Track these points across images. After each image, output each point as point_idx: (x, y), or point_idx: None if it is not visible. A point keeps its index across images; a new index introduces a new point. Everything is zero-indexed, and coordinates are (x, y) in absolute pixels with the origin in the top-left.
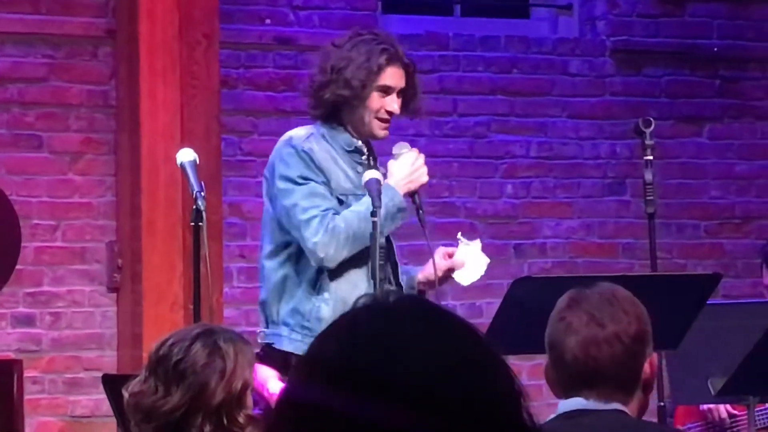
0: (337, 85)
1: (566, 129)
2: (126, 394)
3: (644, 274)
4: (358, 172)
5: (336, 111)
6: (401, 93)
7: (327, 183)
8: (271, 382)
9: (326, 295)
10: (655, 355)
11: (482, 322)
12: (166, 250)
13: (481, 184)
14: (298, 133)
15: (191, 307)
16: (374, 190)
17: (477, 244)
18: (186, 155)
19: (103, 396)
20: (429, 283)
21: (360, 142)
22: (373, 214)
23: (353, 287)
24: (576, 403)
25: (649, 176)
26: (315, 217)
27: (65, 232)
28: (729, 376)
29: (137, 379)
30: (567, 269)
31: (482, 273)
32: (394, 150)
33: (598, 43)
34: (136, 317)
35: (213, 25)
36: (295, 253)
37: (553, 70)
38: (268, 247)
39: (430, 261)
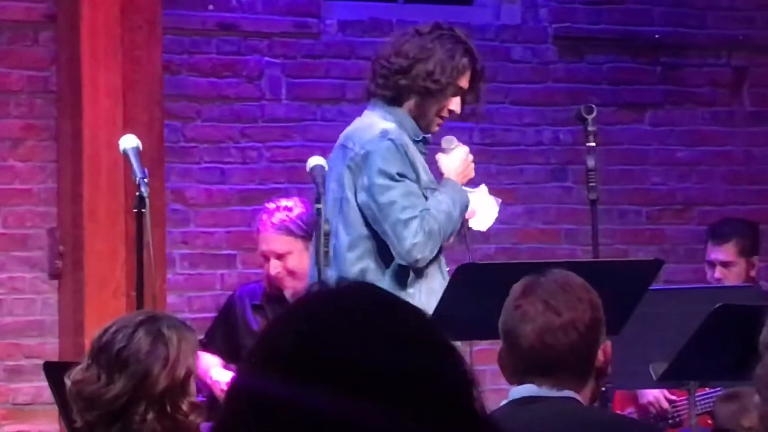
0: (418, 74)
1: (509, 115)
2: (68, 382)
3: (587, 260)
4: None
5: (400, 95)
6: (464, 94)
7: (417, 180)
8: (213, 370)
9: (411, 290)
10: (608, 343)
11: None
12: (109, 237)
13: None
14: (388, 125)
15: (134, 293)
16: (319, 176)
17: (482, 189)
18: (129, 142)
19: (45, 383)
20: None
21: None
22: (318, 200)
23: (432, 280)
24: (528, 389)
25: (591, 162)
26: (414, 218)
27: (6, 218)
28: (671, 361)
29: (79, 366)
30: (510, 255)
31: (496, 215)
32: (443, 144)
33: (541, 30)
34: (78, 304)
35: (155, 11)
36: (376, 247)
37: (495, 56)
38: (346, 238)
39: None
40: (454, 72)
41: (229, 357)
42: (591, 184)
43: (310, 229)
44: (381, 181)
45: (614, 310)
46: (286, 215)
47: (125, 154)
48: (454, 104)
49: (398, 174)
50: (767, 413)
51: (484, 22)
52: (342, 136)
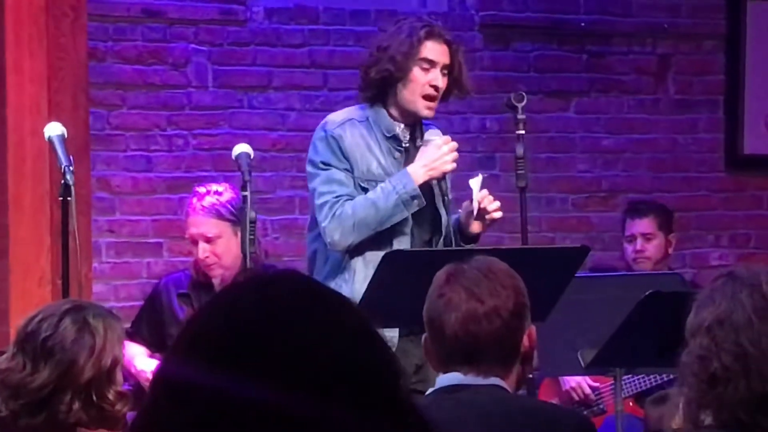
0: (383, 62)
1: None
2: None
3: (514, 247)
4: (395, 158)
5: (384, 92)
6: (449, 72)
7: (350, 170)
8: (138, 359)
9: (347, 275)
10: (533, 327)
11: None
12: (34, 225)
13: None
14: (336, 117)
15: (59, 282)
16: (244, 164)
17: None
18: (54, 129)
19: None
20: (468, 221)
21: (400, 128)
22: (244, 188)
23: (374, 266)
24: (453, 378)
25: (520, 150)
26: (326, 203)
27: None
28: (599, 348)
29: (5, 355)
30: None
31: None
32: (425, 136)
33: (467, 17)
34: (3, 292)
35: None
36: None
37: None
38: (309, 220)
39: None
40: (411, 47)
41: (155, 346)
42: (520, 172)
43: (239, 214)
44: (309, 169)
45: (541, 297)
46: (217, 199)
47: (50, 141)
48: (433, 78)
49: (322, 162)
50: (692, 398)
51: (411, 9)
52: None
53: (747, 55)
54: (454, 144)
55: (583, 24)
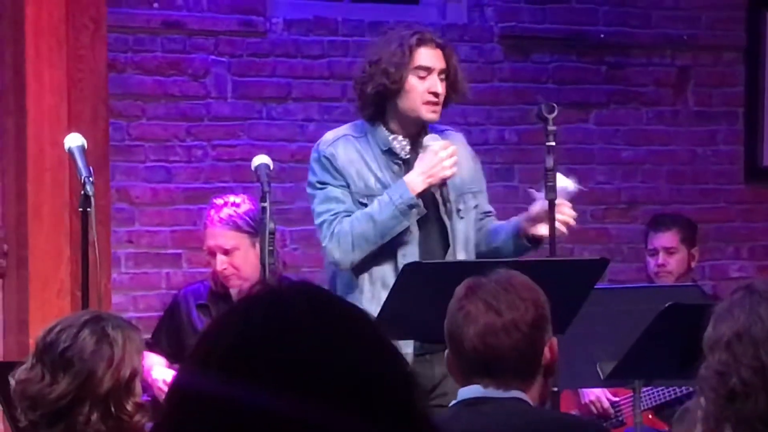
0: (377, 77)
1: (455, 114)
2: (12, 382)
3: (533, 260)
4: (393, 172)
5: (381, 107)
6: (446, 76)
7: (346, 186)
8: (155, 369)
9: (357, 293)
10: (554, 340)
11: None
12: (53, 236)
13: None
14: (328, 136)
15: (79, 293)
16: (264, 175)
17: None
18: (74, 140)
19: None
20: (533, 222)
21: (398, 141)
22: (263, 199)
23: (381, 283)
24: (474, 390)
25: (550, 162)
26: (324, 222)
27: None
28: (618, 360)
29: (24, 366)
30: None
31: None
32: (424, 142)
33: (487, 29)
34: (22, 303)
35: (100, 9)
36: None
37: None
38: None
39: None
40: (404, 57)
41: (174, 357)
42: (549, 184)
43: (257, 226)
44: (308, 191)
45: (560, 310)
46: (234, 210)
47: (70, 152)
48: (431, 85)
49: (318, 182)
50: (710, 413)
51: (429, 21)
52: None
53: (767, 67)
54: (453, 148)
55: (602, 35)
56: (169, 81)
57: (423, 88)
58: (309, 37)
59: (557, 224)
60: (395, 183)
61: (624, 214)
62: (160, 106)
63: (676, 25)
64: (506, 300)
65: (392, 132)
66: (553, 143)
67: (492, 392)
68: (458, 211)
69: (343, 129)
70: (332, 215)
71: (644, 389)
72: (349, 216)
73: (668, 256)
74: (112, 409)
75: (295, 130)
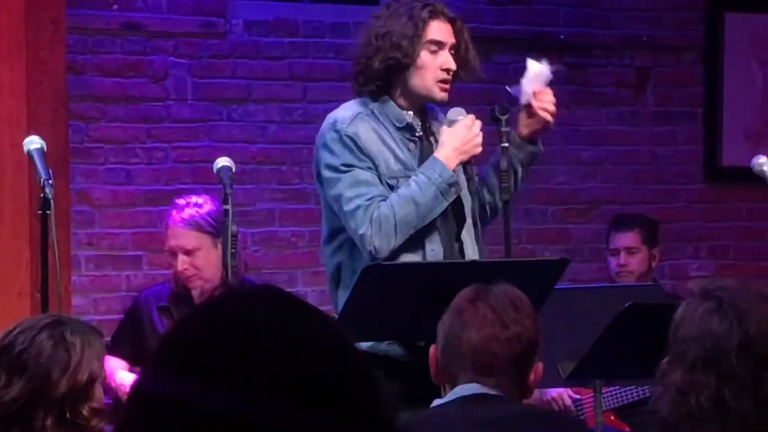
0: (386, 50)
1: None
2: None
3: (493, 260)
4: (409, 150)
5: (388, 82)
6: (455, 52)
7: (374, 168)
8: (118, 373)
9: None
10: (540, 364)
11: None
12: (13, 238)
13: None
14: (343, 114)
15: (39, 295)
16: (226, 177)
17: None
18: (33, 142)
19: None
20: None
21: (411, 117)
22: (225, 201)
23: None
24: (473, 388)
25: (504, 163)
26: (359, 207)
27: None
28: (578, 359)
29: None
30: None
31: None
32: (449, 116)
33: None
34: None
35: (60, 10)
36: (350, 240)
37: None
38: (324, 233)
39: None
40: (417, 30)
41: (135, 360)
42: (504, 185)
43: (219, 227)
44: (328, 174)
45: None
46: (196, 211)
47: (29, 155)
48: (444, 60)
49: (343, 165)
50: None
51: None
52: None
53: (725, 67)
54: (480, 123)
55: (562, 36)
56: (129, 83)
57: (435, 64)
58: (269, 38)
59: (543, 114)
60: (428, 161)
61: (584, 214)
62: (120, 107)
63: (636, 26)
64: (515, 315)
65: (401, 108)
66: (507, 144)
67: (490, 390)
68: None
69: (352, 106)
70: (367, 200)
71: (606, 390)
72: (385, 200)
73: (629, 256)
74: (67, 414)
75: (256, 132)
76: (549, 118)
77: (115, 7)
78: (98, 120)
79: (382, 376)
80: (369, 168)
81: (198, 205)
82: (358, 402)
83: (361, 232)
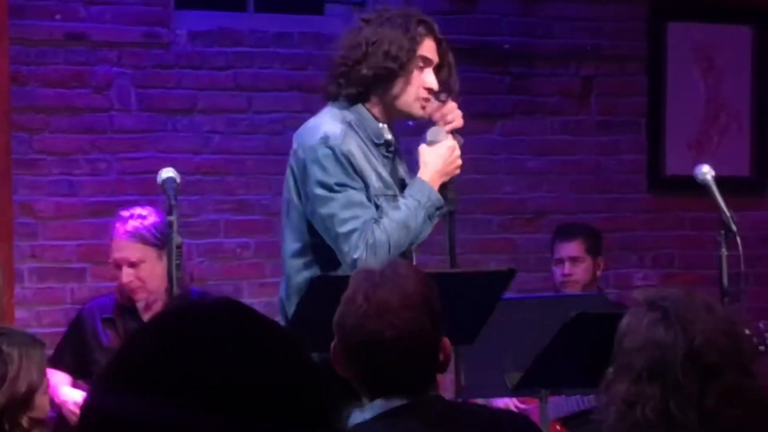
0: (377, 58)
1: None
2: None
3: (440, 271)
4: (384, 166)
5: (368, 90)
6: (437, 72)
7: (365, 187)
8: (62, 388)
9: None
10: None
11: (277, 318)
12: None
13: (277, 181)
14: (333, 129)
15: None
16: (170, 188)
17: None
18: None
19: None
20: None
21: (389, 134)
22: (170, 212)
23: None
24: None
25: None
26: (354, 230)
27: None
28: (526, 370)
29: None
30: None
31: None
32: (429, 136)
33: None
34: None
35: (2, 21)
36: (325, 257)
37: None
38: (294, 245)
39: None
40: (411, 43)
41: (79, 373)
42: (450, 196)
43: (163, 238)
44: (320, 192)
45: (467, 321)
46: (141, 223)
47: None
48: (428, 79)
49: (337, 184)
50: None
51: (335, 31)
52: (296, 132)
53: (668, 77)
54: (460, 139)
55: (506, 46)
56: (72, 93)
57: (419, 82)
58: (214, 48)
59: (452, 126)
60: (414, 183)
61: (530, 224)
62: (63, 118)
63: (580, 36)
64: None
65: (377, 119)
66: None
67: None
68: None
69: (335, 119)
70: (362, 223)
71: (552, 400)
72: (377, 223)
73: (574, 266)
74: (6, 426)
75: (201, 142)
76: (460, 123)
77: (58, 17)
78: (42, 131)
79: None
80: (361, 188)
81: (142, 216)
82: (311, 417)
83: (355, 256)
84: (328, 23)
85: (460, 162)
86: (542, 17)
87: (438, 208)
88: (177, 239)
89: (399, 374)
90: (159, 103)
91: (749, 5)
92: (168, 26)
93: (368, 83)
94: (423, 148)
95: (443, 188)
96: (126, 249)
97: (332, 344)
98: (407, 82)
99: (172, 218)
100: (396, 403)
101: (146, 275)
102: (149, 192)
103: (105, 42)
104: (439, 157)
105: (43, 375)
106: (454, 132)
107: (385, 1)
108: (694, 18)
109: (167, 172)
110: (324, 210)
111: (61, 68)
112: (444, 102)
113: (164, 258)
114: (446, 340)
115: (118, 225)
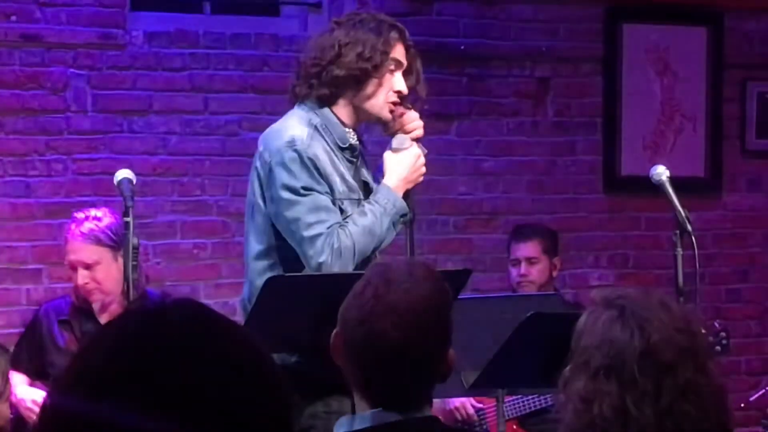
0: (350, 59)
1: None
2: None
3: None
4: (348, 171)
5: (337, 92)
6: (405, 77)
7: (330, 191)
8: (18, 388)
9: None
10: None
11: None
12: None
13: (234, 182)
14: (299, 132)
15: None
16: (126, 189)
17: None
18: None
19: None
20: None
21: (354, 138)
22: (126, 214)
23: None
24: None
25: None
26: (320, 235)
27: None
28: (481, 369)
29: None
30: None
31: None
32: (394, 143)
33: None
34: None
35: None
36: (288, 258)
37: None
38: (257, 247)
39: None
40: (384, 45)
41: (35, 374)
42: (407, 202)
43: (119, 240)
44: (286, 195)
45: None
46: (95, 224)
47: None
48: (398, 83)
49: (303, 188)
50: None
51: (291, 33)
52: (262, 135)
53: (624, 78)
54: (424, 149)
55: (462, 47)
56: (27, 94)
57: (390, 86)
58: (170, 49)
59: (413, 135)
60: (380, 190)
61: (486, 225)
62: (18, 120)
63: (536, 37)
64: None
65: (343, 124)
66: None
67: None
68: None
69: (301, 122)
70: (327, 228)
71: (509, 399)
72: (342, 228)
73: (530, 266)
74: None
75: (157, 143)
76: (420, 132)
77: (14, 18)
78: None
79: (294, 392)
80: (327, 192)
81: (97, 218)
82: (271, 417)
83: (320, 260)
84: (285, 25)
85: (424, 170)
86: (498, 19)
87: (402, 215)
88: (133, 240)
89: (395, 380)
90: (115, 104)
91: (704, 7)
92: (124, 27)
93: (340, 84)
94: (388, 156)
95: (405, 196)
96: (81, 251)
97: (334, 332)
98: (379, 84)
99: (128, 219)
100: (389, 418)
101: (102, 277)
102: (105, 193)
103: (61, 43)
104: (404, 165)
105: (6, 382)
106: (417, 141)
107: (340, 2)
108: (650, 19)
109: (123, 173)
110: (289, 213)
111: (17, 69)
112: (408, 109)
113: (120, 259)
114: (452, 352)
115: (72, 226)
